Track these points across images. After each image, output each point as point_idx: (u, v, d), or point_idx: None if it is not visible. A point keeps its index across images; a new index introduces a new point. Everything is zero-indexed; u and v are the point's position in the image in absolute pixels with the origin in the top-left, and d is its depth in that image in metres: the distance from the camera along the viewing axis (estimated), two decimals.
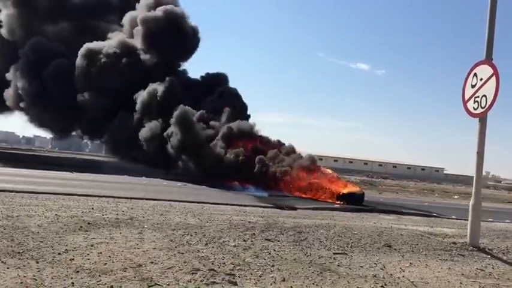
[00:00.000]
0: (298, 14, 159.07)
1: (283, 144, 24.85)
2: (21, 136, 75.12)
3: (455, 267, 7.05)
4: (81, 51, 31.96)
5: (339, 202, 17.20)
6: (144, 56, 31.75)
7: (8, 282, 4.63)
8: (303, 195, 19.69)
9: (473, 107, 9.32)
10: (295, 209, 13.37)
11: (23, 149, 55.37)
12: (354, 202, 16.70)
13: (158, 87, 28.76)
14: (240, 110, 28.37)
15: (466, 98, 9.57)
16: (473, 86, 9.40)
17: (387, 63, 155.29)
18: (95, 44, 32.37)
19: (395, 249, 7.89)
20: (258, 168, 21.66)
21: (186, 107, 25.89)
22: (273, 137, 25.71)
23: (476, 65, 9.41)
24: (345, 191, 17.94)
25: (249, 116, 29.44)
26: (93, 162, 36.12)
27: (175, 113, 25.65)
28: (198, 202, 12.54)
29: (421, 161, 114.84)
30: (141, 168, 26.77)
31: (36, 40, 33.70)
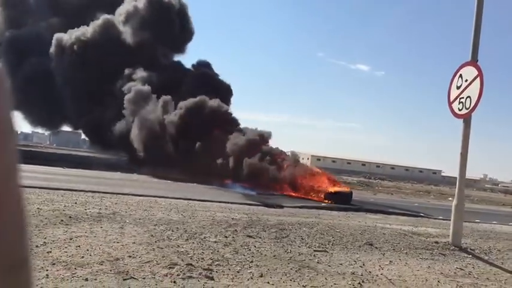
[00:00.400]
0: (298, 14, 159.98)
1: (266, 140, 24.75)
2: (19, 132, 74.76)
3: (435, 266, 7.11)
4: (53, 41, 31.59)
5: (326, 201, 17.26)
6: (129, 39, 31.43)
7: None
8: (292, 194, 19.73)
9: (458, 108, 9.39)
10: (281, 207, 13.39)
11: (19, 145, 54.97)
12: (341, 201, 16.76)
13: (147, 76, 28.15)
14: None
15: (451, 98, 9.64)
16: (458, 87, 9.47)
17: (387, 65, 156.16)
18: (68, 33, 32.02)
19: (376, 247, 7.93)
20: (248, 168, 21.66)
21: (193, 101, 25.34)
22: (273, 138, 25.54)
23: (462, 66, 9.48)
24: (333, 190, 18.01)
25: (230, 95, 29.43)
26: (87, 159, 35.91)
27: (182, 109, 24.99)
28: (184, 198, 12.52)
29: (419, 163, 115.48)
30: (136, 166, 26.61)
31: (13, 34, 33.42)
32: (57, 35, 32.07)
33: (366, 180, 54.43)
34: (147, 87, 26.69)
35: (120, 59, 29.38)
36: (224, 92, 29.63)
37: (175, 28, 32.68)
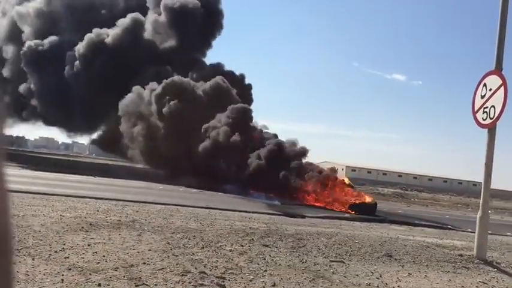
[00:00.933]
0: (334, 23, 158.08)
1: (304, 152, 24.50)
2: (60, 142, 77.50)
3: (456, 279, 6.92)
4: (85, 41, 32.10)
5: (350, 212, 17.08)
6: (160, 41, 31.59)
7: None
8: (316, 204, 19.60)
9: (482, 118, 9.18)
10: (303, 217, 13.32)
11: (59, 155, 56.24)
12: (366, 212, 16.57)
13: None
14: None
15: (476, 108, 9.44)
16: (482, 97, 9.27)
17: (424, 74, 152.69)
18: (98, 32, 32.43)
19: (395, 259, 7.79)
20: (280, 178, 21.50)
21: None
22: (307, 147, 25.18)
23: (486, 75, 9.28)
24: (356, 200, 17.82)
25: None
26: (121, 168, 36.28)
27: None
28: (206, 207, 12.62)
29: (459, 175, 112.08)
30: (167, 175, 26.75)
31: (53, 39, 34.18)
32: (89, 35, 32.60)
33: (402, 191, 53.25)
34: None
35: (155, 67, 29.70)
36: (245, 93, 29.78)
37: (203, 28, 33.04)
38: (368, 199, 18.77)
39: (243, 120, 25.15)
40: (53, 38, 35.08)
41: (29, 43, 35.10)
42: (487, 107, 9.06)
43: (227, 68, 33.91)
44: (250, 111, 26.52)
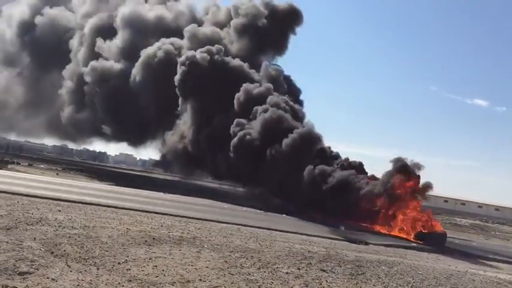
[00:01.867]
0: (411, 44, 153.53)
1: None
2: (137, 158, 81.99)
3: None
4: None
5: (417, 241, 16.29)
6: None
7: (67, 283, 5.09)
8: (382, 231, 18.93)
9: None
10: (366, 244, 12.93)
11: (136, 170, 59.11)
12: (434, 243, 15.70)
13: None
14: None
15: None
16: None
17: (509, 100, 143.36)
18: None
19: None
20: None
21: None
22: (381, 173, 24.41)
23: None
24: (424, 229, 16.96)
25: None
26: (194, 186, 36.98)
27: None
28: (268, 229, 12.62)
29: None
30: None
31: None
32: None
33: (482, 223, 49.96)
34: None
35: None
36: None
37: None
38: (436, 228, 17.78)
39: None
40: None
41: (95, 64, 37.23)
42: None
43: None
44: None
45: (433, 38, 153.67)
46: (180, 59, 31.46)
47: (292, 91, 32.97)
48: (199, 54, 30.85)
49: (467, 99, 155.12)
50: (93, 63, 37.49)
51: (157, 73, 32.47)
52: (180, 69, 30.90)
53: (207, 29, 35.83)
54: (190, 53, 31.47)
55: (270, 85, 29.57)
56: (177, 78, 30.86)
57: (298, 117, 28.32)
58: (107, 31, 38.69)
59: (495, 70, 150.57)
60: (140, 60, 34.04)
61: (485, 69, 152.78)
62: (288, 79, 34.63)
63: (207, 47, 31.63)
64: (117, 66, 37.25)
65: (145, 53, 34.15)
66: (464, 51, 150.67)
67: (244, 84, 28.74)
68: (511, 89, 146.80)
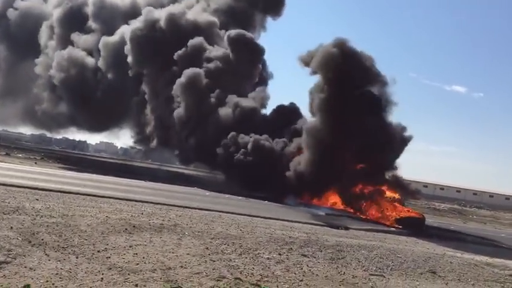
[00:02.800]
0: (389, 32, 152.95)
1: None
2: (119, 147, 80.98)
3: None
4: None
5: (397, 226, 16.56)
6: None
7: (45, 272, 5.02)
8: (363, 217, 19.16)
9: None
10: (347, 228, 13.09)
11: (116, 159, 58.35)
12: (413, 227, 15.99)
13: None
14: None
15: None
16: None
17: (486, 86, 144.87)
18: None
19: (439, 276, 7.51)
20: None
21: None
22: None
23: None
24: (403, 215, 17.24)
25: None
26: (171, 174, 36.61)
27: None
28: (249, 215, 12.64)
29: None
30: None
31: None
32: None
33: (460, 207, 50.91)
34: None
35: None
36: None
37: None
38: (414, 213, 18.10)
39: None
40: None
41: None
42: None
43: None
44: None
45: (412, 25, 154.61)
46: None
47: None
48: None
49: (445, 86, 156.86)
50: (59, 53, 36.96)
51: (116, 58, 32.34)
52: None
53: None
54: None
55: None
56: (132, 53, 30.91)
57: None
58: (74, 20, 38.00)
59: (473, 57, 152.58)
60: (101, 46, 33.78)
61: (463, 56, 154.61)
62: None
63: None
64: (82, 55, 36.73)
65: (106, 40, 33.83)
66: (442, 38, 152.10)
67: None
68: (488, 76, 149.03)
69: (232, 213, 12.53)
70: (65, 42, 37.73)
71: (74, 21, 38.12)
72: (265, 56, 35.87)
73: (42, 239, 6.25)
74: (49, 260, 5.43)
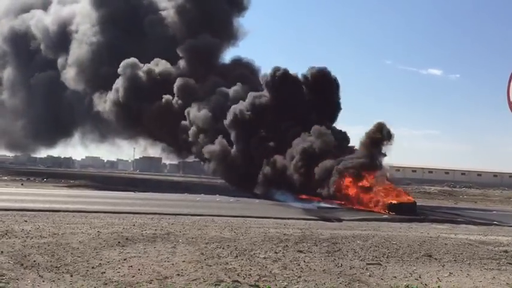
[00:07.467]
0: (364, 20, 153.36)
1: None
2: (105, 160, 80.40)
3: (501, 276, 6.65)
4: None
5: (389, 213, 16.68)
6: None
7: None
8: (355, 207, 19.23)
9: None
10: (340, 220, 13.14)
11: (105, 172, 57.91)
12: (405, 212, 16.12)
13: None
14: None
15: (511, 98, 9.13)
16: None
17: (462, 67, 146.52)
18: None
19: (435, 258, 7.56)
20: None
21: None
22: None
23: None
24: (394, 200, 17.36)
25: None
26: (160, 182, 36.44)
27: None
28: (241, 216, 12.62)
29: (510, 168, 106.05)
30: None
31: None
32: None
33: (450, 189, 51.44)
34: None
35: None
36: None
37: None
38: (405, 198, 18.22)
39: None
40: None
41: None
42: None
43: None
44: None
45: (384, 12, 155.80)
46: None
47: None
48: None
49: (421, 70, 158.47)
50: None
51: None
52: None
53: None
54: None
55: None
56: None
57: None
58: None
59: (446, 39, 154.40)
60: None
61: (436, 39, 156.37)
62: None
63: None
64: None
65: None
66: (415, 22, 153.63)
67: None
68: (463, 56, 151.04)
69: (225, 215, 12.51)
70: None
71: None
72: None
73: (35, 261, 6.14)
74: (43, 281, 5.33)
